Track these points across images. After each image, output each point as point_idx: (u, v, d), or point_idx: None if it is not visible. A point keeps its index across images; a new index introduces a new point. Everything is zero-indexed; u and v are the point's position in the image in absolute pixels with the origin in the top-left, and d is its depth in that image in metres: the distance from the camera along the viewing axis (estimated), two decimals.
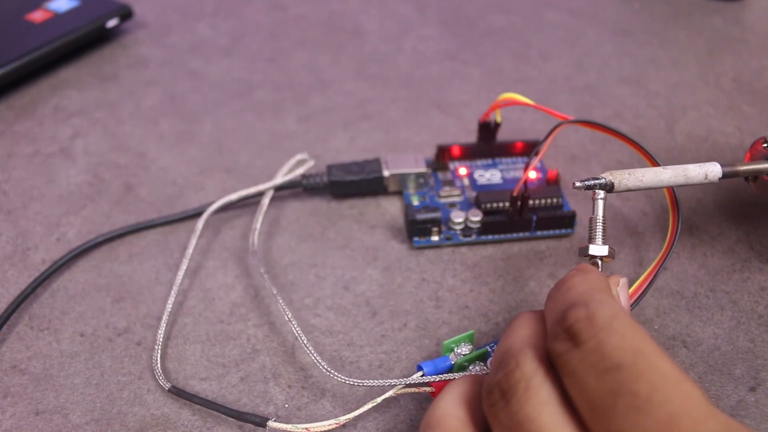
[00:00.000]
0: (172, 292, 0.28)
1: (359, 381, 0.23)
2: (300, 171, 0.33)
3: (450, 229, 0.30)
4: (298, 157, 0.34)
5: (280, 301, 0.26)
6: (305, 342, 0.24)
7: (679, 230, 0.26)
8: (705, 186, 0.33)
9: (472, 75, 0.42)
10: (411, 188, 0.33)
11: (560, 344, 0.17)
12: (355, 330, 0.27)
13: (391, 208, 0.33)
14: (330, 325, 0.27)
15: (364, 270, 0.29)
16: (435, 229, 0.30)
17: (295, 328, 0.25)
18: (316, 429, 0.23)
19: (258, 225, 0.30)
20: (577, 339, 0.17)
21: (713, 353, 0.26)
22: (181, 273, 0.28)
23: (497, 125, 0.33)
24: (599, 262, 0.26)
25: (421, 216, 0.29)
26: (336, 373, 0.23)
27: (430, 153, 0.35)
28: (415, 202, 0.32)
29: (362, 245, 0.31)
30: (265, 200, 0.32)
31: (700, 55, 0.44)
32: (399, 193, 0.33)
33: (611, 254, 0.26)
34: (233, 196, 0.31)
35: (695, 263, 0.29)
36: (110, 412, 0.24)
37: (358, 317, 0.27)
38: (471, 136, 0.37)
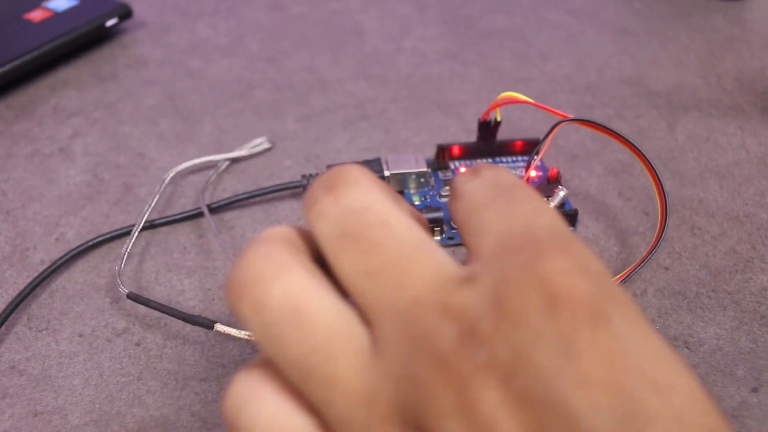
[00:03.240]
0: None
1: None
2: (259, 147, 0.36)
3: (452, 228, 0.30)
4: (258, 140, 0.36)
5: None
6: None
7: (666, 226, 0.26)
8: (707, 185, 0.33)
9: (472, 75, 0.42)
10: (412, 188, 0.33)
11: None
12: None
13: None
14: None
15: None
16: (437, 228, 0.30)
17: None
18: None
19: (211, 179, 0.33)
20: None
21: (715, 354, 0.26)
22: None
23: (497, 124, 0.33)
24: None
25: (424, 216, 0.29)
26: None
27: (431, 153, 0.35)
28: (417, 201, 0.32)
29: None
30: (221, 167, 0.34)
31: (701, 54, 0.44)
32: (400, 193, 0.33)
33: None
34: (189, 163, 0.34)
35: (697, 263, 0.29)
36: (109, 412, 0.24)
37: None
38: (471, 136, 0.36)
